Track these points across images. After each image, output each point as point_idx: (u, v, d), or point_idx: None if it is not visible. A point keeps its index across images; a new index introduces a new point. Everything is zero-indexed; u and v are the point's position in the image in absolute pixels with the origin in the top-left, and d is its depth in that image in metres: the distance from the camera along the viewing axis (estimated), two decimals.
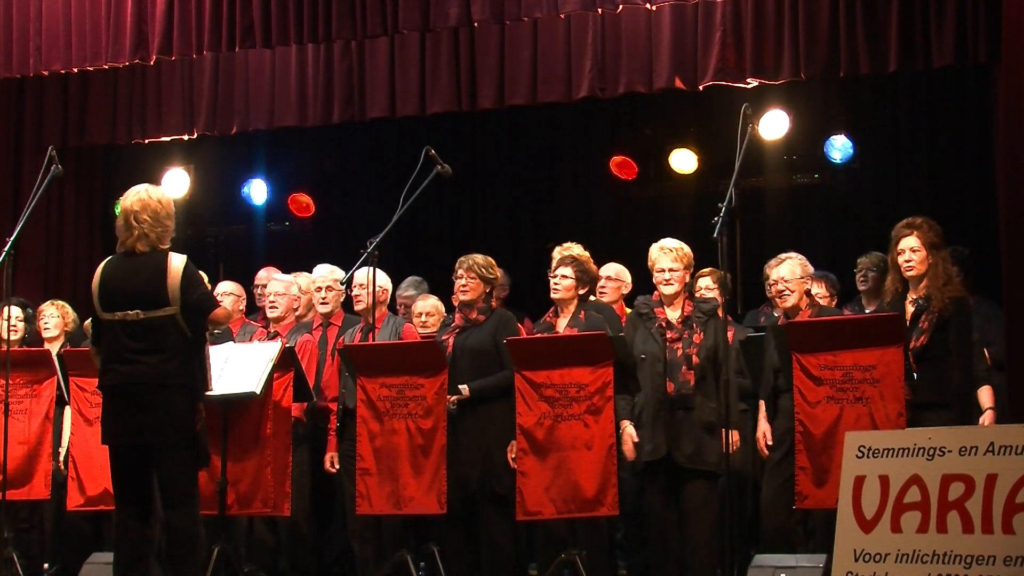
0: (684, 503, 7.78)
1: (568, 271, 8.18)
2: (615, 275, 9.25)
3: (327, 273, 8.96)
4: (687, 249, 7.93)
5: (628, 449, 7.82)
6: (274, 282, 9.20)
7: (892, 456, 5.88)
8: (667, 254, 7.90)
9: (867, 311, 8.89)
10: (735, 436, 7.72)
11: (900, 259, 7.50)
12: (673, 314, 7.87)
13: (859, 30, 8.86)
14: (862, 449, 5.96)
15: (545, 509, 7.64)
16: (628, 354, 7.71)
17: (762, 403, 8.06)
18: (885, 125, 11.59)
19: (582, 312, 8.17)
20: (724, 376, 7.48)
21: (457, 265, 8.44)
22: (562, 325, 8.16)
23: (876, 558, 5.76)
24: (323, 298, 8.97)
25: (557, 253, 8.81)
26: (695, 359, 7.72)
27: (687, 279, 7.95)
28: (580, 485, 7.56)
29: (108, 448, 7.01)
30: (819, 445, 7.22)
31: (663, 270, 7.88)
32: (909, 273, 7.48)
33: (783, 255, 8.09)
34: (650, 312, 7.92)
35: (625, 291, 9.32)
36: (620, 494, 7.64)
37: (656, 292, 7.97)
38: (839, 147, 11.40)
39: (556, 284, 8.19)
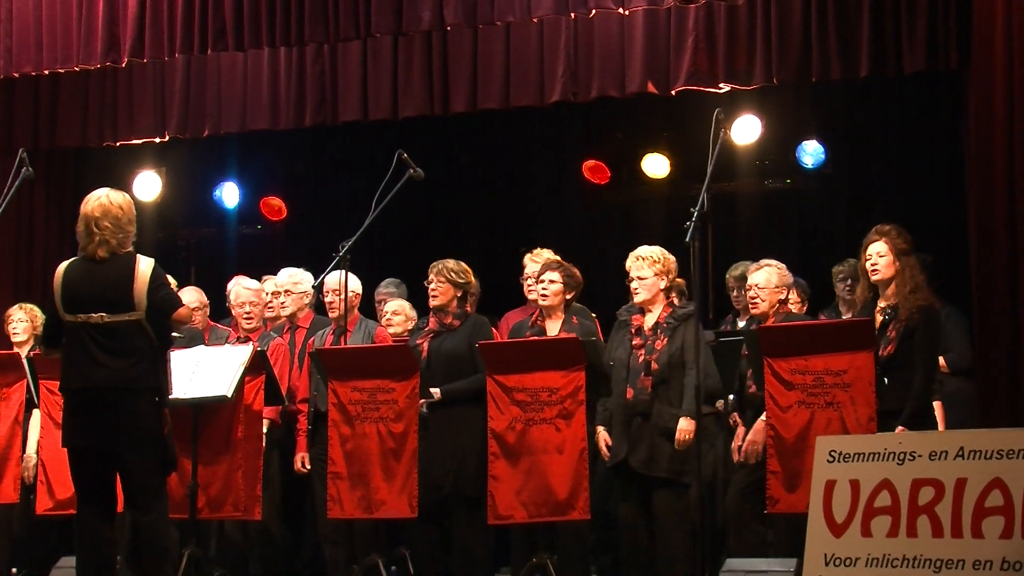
0: (652, 509, 7.81)
1: (556, 276, 8.18)
2: None
3: (286, 279, 9.04)
4: (659, 255, 7.91)
5: (604, 454, 7.88)
6: (245, 291, 9.19)
7: (863, 460, 5.89)
8: (636, 262, 7.93)
9: (844, 317, 8.92)
10: (685, 424, 7.62)
11: (867, 264, 7.54)
12: (650, 320, 7.89)
13: (831, 36, 8.89)
14: (833, 454, 5.97)
15: (516, 513, 7.65)
16: (600, 358, 7.72)
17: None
18: (857, 130, 11.62)
19: (574, 317, 8.19)
20: (684, 377, 7.51)
21: (429, 270, 8.45)
22: (553, 329, 8.16)
23: (846, 562, 5.77)
24: (281, 303, 9.10)
25: (528, 260, 8.82)
26: (654, 366, 7.74)
27: (662, 285, 7.92)
28: (552, 489, 7.57)
29: (68, 450, 6.98)
30: (790, 449, 7.24)
31: (632, 278, 7.91)
32: (875, 277, 7.51)
33: (763, 261, 8.10)
34: (627, 319, 7.95)
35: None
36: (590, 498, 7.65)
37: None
38: (811, 152, 11.42)
39: (544, 290, 8.18)
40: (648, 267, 7.88)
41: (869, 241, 7.57)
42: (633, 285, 7.93)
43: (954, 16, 8.58)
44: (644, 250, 7.97)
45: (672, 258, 7.97)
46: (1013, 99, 8.21)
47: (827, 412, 7.19)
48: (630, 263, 7.96)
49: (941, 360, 8.54)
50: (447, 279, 8.39)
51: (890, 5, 8.76)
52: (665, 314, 7.89)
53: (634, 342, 7.85)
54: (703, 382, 7.67)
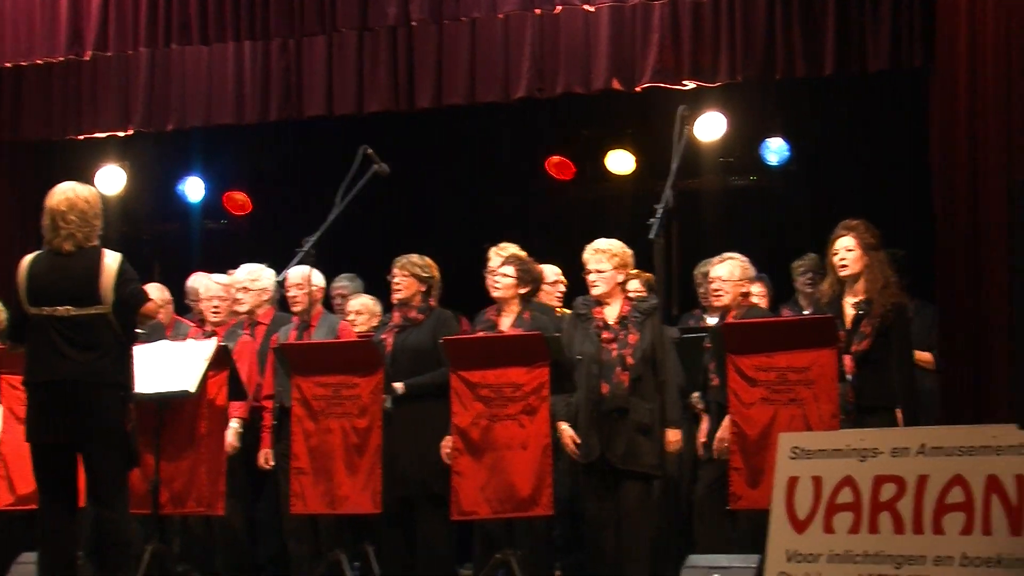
0: (620, 504, 7.80)
1: (510, 270, 8.20)
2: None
3: (244, 275, 9.02)
4: (618, 249, 7.93)
5: (572, 450, 7.83)
6: (214, 285, 9.17)
7: (825, 457, 5.94)
8: (594, 255, 7.92)
9: (805, 312, 8.96)
10: (674, 435, 7.74)
11: (835, 259, 7.57)
12: (611, 314, 7.89)
13: (795, 33, 8.90)
14: (796, 450, 6.01)
15: (480, 509, 7.65)
16: (564, 354, 7.72)
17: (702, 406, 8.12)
18: (821, 128, 11.66)
19: (527, 312, 8.18)
20: (661, 376, 7.51)
21: (393, 264, 8.46)
22: (505, 324, 8.17)
23: (809, 558, 5.81)
24: (240, 299, 9.04)
25: (493, 254, 8.84)
26: (629, 360, 7.74)
27: (619, 279, 7.95)
28: (515, 485, 7.57)
29: (31, 445, 6.95)
30: (753, 446, 7.26)
31: (590, 271, 7.91)
32: (843, 272, 7.54)
33: (726, 254, 8.13)
34: (588, 312, 7.93)
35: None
36: (555, 494, 7.66)
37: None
38: (775, 149, 11.47)
39: (496, 282, 8.21)
40: (607, 260, 7.88)
41: (837, 236, 7.61)
42: (591, 278, 7.92)
43: (918, 15, 8.61)
44: (602, 243, 7.97)
45: (629, 251, 7.98)
46: (975, 97, 8.24)
47: (790, 409, 7.22)
48: (588, 256, 7.96)
49: (928, 356, 8.57)
50: (411, 273, 8.40)
51: (854, 3, 8.79)
52: (627, 308, 7.89)
53: (604, 336, 7.83)
54: (674, 379, 7.74)
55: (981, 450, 5.57)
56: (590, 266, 7.93)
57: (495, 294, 8.26)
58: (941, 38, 8.44)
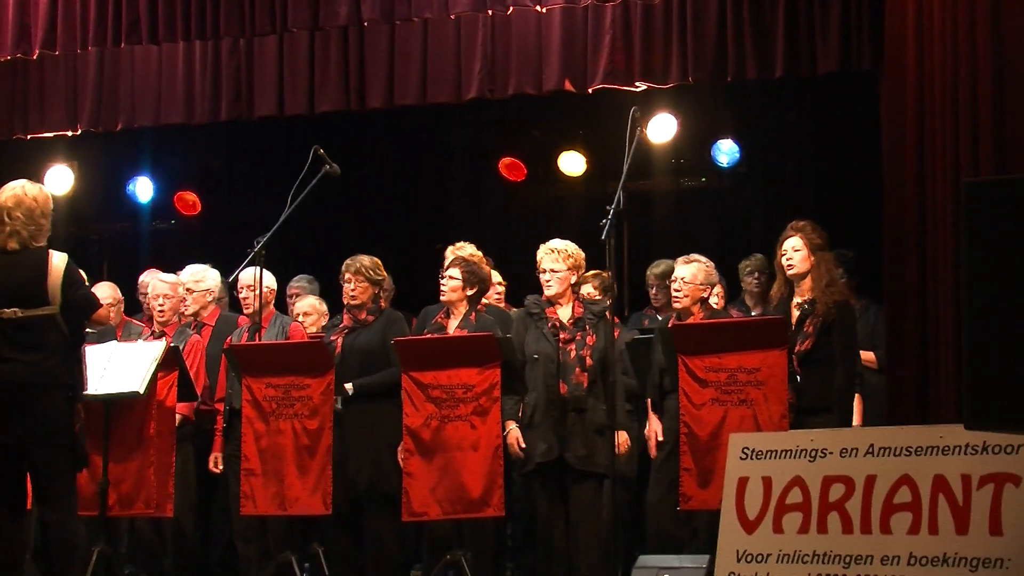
0: (572, 504, 7.81)
1: (456, 272, 8.18)
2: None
3: (187, 277, 8.96)
4: (572, 250, 7.95)
5: (515, 452, 7.82)
6: (160, 284, 9.11)
7: (775, 458, 5.95)
8: (549, 255, 7.94)
9: (754, 313, 8.99)
10: (623, 437, 7.76)
11: (783, 259, 7.61)
12: (564, 315, 7.89)
13: (746, 36, 8.93)
14: (746, 451, 6.02)
15: (431, 510, 7.64)
16: (515, 355, 7.72)
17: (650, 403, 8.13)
18: (772, 130, 11.71)
19: (473, 314, 8.17)
20: (612, 377, 7.52)
21: (344, 268, 8.41)
22: (453, 326, 8.15)
23: (758, 558, 5.82)
24: (182, 299, 9.00)
25: (450, 253, 8.82)
26: (589, 361, 7.75)
27: (572, 280, 7.95)
28: (466, 486, 7.57)
29: None
30: (704, 447, 7.29)
31: (544, 271, 7.91)
32: (791, 272, 7.58)
33: (693, 256, 8.10)
34: (541, 312, 7.93)
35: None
36: (509, 495, 7.65)
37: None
38: (726, 151, 11.51)
39: (444, 286, 8.20)
40: (562, 260, 7.90)
41: (785, 237, 7.65)
42: (545, 277, 7.93)
43: (866, 18, 8.65)
44: (557, 243, 7.98)
45: (582, 253, 8.00)
46: (923, 99, 8.28)
47: (740, 409, 7.25)
48: (542, 255, 7.96)
49: (872, 356, 8.63)
50: (366, 278, 8.36)
51: (803, 6, 8.83)
52: (580, 309, 7.90)
53: (562, 336, 7.82)
54: (623, 381, 7.75)
55: (928, 450, 5.60)
56: (544, 265, 7.93)
57: (443, 298, 8.25)
58: (890, 41, 8.48)
